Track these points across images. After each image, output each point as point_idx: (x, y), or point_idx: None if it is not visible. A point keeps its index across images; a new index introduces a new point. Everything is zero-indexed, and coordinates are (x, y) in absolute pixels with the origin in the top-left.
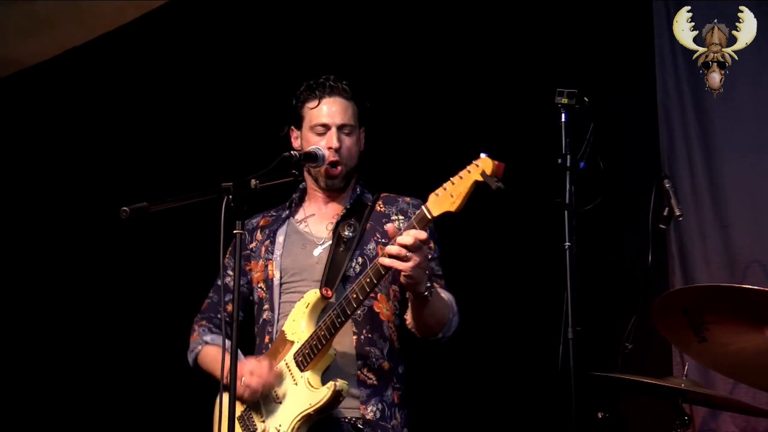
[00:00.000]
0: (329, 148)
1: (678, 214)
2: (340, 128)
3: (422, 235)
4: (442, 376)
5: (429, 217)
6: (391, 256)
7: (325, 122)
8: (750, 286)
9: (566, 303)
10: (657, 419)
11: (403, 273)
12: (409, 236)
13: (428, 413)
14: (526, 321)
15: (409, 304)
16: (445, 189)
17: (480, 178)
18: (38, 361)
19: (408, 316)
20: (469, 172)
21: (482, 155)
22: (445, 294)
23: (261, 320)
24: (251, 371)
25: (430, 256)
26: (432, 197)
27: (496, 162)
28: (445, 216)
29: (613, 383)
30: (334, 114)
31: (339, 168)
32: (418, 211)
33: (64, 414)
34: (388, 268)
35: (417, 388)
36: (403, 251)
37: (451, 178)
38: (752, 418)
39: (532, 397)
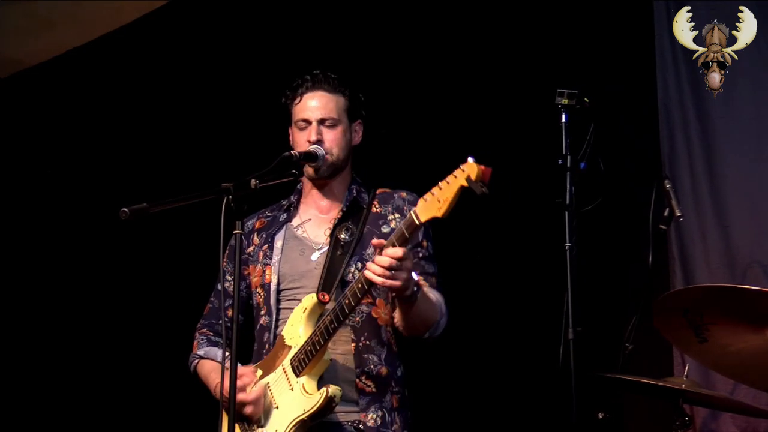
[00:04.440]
0: (308, 141)
1: (678, 214)
2: (321, 122)
3: (398, 253)
4: (443, 377)
5: (417, 222)
6: (372, 271)
7: (305, 117)
8: (750, 287)
9: (567, 303)
10: (657, 420)
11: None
12: (386, 258)
13: (429, 414)
14: (526, 321)
15: (396, 305)
16: (432, 194)
17: (465, 184)
18: (39, 364)
19: (396, 315)
20: (455, 177)
21: (469, 159)
22: (433, 295)
23: (258, 325)
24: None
25: (421, 255)
26: (421, 202)
27: (482, 167)
28: (434, 221)
29: (613, 383)
30: (315, 108)
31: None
32: (407, 216)
33: (65, 416)
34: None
35: (417, 390)
36: (379, 270)
37: (438, 183)
38: (753, 419)
39: (532, 397)
